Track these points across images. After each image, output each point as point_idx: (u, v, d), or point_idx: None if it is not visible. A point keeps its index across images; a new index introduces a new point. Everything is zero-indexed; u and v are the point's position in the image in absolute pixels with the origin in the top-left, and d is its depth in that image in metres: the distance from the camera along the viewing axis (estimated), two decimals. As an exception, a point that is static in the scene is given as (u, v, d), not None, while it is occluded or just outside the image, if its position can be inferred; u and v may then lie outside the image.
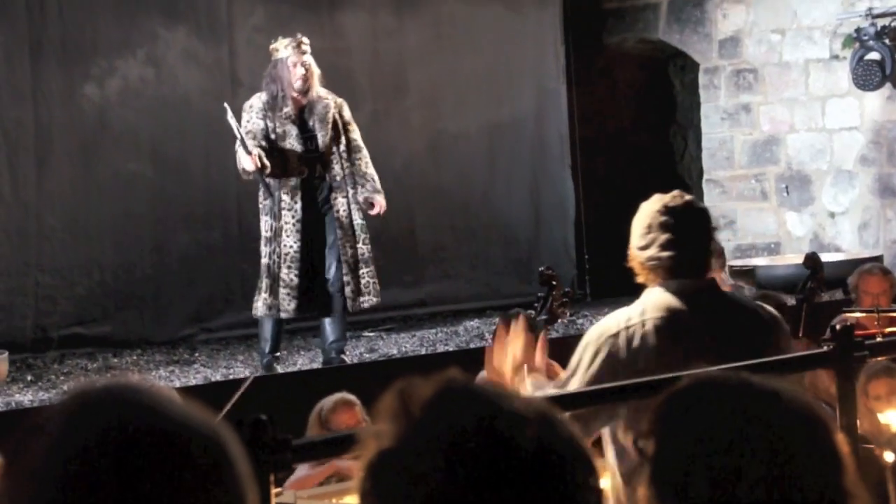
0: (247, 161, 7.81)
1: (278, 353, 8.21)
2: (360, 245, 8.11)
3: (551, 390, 3.61)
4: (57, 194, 9.13)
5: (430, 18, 11.06)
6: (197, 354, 9.10)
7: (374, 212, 8.19)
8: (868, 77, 11.02)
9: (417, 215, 10.88)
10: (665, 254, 3.68)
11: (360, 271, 8.09)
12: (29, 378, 8.29)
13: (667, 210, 3.71)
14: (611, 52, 12.85)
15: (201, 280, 9.48)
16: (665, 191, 3.89)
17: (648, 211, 3.75)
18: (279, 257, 7.94)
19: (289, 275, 7.94)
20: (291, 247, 7.93)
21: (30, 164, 9.02)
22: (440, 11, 11.12)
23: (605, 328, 3.68)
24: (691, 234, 3.72)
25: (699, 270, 3.75)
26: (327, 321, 8.15)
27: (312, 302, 8.10)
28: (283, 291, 7.94)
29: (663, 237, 3.68)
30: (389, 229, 10.65)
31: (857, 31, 11.12)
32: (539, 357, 3.78)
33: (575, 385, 3.60)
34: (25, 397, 7.68)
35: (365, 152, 8.25)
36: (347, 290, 8.03)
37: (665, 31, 12.46)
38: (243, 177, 8.02)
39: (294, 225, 7.94)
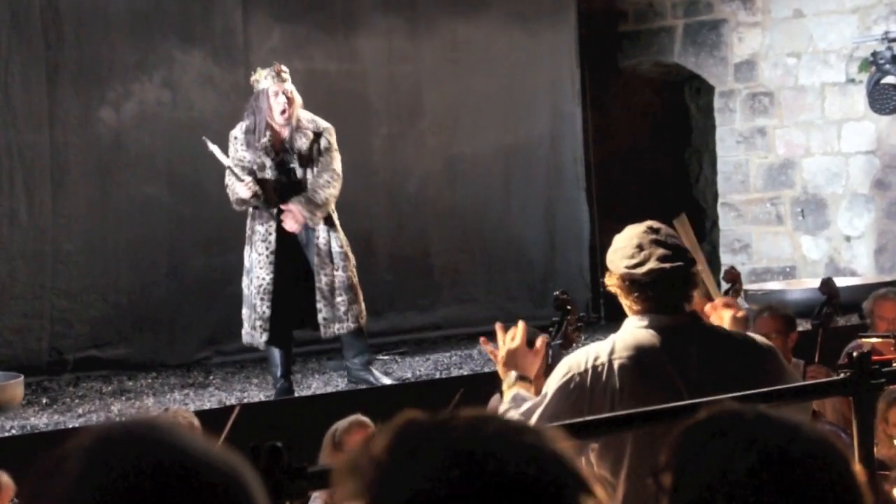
0: (241, 189, 7.83)
1: (291, 378, 8.20)
2: (337, 272, 8.01)
3: (515, 415, 3.59)
4: (73, 217, 9.15)
5: (445, 41, 11.07)
6: (212, 377, 9.10)
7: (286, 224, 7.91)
8: (884, 101, 11.00)
9: (432, 238, 10.88)
10: (668, 265, 3.61)
11: (337, 299, 8.02)
12: (44, 401, 8.30)
13: (653, 230, 3.69)
14: (626, 75, 12.85)
15: (216, 303, 9.47)
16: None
17: (634, 233, 3.70)
18: (255, 289, 7.94)
19: (261, 307, 7.93)
20: (264, 279, 7.91)
21: (46, 188, 9.04)
22: (455, 34, 11.13)
23: (574, 363, 3.63)
24: (676, 256, 3.66)
25: (681, 299, 3.68)
26: (344, 340, 8.17)
27: (284, 332, 8.04)
28: (257, 323, 7.95)
29: (660, 251, 3.63)
30: (404, 252, 10.67)
31: (874, 54, 11.11)
32: (536, 366, 3.81)
33: (537, 417, 3.55)
34: (41, 420, 7.68)
35: (330, 177, 7.98)
36: (319, 316, 8.01)
37: (680, 54, 12.46)
38: (237, 207, 8.02)
39: (267, 257, 7.92)
